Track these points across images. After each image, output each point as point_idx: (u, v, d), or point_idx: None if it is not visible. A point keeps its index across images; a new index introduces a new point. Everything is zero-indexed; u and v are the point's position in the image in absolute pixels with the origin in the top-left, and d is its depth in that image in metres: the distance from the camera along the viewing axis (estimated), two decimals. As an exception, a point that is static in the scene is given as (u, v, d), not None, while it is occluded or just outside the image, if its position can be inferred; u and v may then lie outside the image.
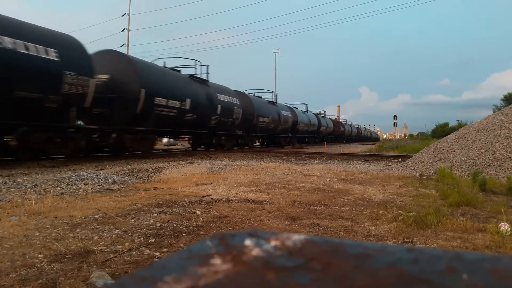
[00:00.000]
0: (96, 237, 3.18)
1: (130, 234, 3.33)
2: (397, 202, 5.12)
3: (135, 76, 12.24)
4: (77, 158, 11.45)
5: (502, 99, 50.61)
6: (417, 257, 0.34)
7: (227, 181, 6.92)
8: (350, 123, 62.62)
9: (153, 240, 3.18)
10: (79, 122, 11.67)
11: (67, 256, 2.70)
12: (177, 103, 13.95)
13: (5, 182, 6.05)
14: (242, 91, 21.81)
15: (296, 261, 0.35)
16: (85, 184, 6.23)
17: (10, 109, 8.79)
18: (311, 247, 0.37)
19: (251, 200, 5.04)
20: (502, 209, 3.87)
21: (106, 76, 12.23)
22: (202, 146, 18.29)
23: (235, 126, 19.01)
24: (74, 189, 5.80)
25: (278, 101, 26.94)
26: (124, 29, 39.02)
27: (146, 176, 7.73)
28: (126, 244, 3.04)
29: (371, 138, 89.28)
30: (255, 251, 0.37)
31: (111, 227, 3.54)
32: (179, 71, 15.82)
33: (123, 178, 7.25)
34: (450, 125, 57.14)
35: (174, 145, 26.11)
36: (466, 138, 9.79)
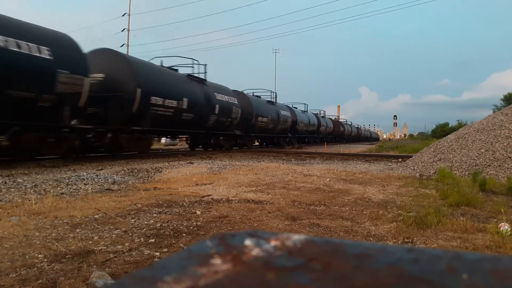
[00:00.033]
0: (96, 237, 3.18)
1: (130, 234, 3.33)
2: (397, 202, 5.12)
3: (131, 75, 12.11)
4: (75, 158, 11.40)
5: (502, 99, 50.63)
6: (417, 257, 0.34)
7: (227, 181, 6.92)
8: (350, 123, 62.63)
9: (153, 240, 3.18)
10: (74, 122, 11.53)
11: (67, 256, 2.70)
12: (174, 103, 13.80)
13: (5, 182, 6.05)
14: (241, 91, 21.69)
15: (296, 261, 0.35)
16: (85, 184, 6.23)
17: (1, 109, 8.66)
18: (311, 247, 0.37)
19: (251, 200, 5.04)
20: (502, 209, 3.87)
21: (101, 75, 12.10)
22: (200, 146, 18.15)
23: (233, 126, 18.87)
24: (74, 189, 5.80)
25: (278, 101, 26.87)
26: (124, 29, 39.05)
27: (146, 176, 7.73)
28: (126, 244, 3.04)
29: (371, 138, 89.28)
30: (255, 251, 0.37)
31: (111, 227, 3.54)
32: (176, 70, 15.65)
33: (123, 178, 7.25)
34: (450, 125, 57.15)
35: (174, 145, 26.08)
36: (466, 138, 9.79)
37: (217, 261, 0.35)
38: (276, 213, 4.27)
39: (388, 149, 23.62)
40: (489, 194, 6.00)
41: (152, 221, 3.81)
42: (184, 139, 19.02)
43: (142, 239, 3.19)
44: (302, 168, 9.71)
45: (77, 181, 6.49)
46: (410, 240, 3.33)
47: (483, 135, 9.45)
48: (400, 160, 12.76)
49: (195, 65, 16.97)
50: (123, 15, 39.62)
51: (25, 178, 6.68)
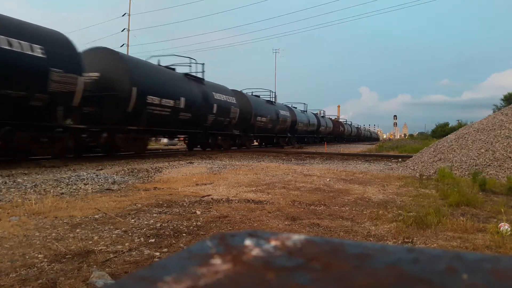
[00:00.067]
0: (96, 237, 3.18)
1: (130, 234, 3.33)
2: (397, 202, 5.12)
3: (127, 74, 11.94)
4: (74, 158, 11.38)
5: (502, 99, 50.63)
6: (417, 257, 0.34)
7: (227, 181, 6.92)
8: (350, 123, 62.64)
9: (153, 240, 3.18)
10: (69, 122, 11.30)
11: (67, 256, 2.70)
12: (171, 102, 13.64)
13: (5, 182, 6.05)
14: (240, 90, 21.55)
15: (296, 261, 0.35)
16: (85, 184, 6.23)
17: None
18: (311, 247, 0.37)
19: (251, 200, 5.04)
20: (502, 209, 3.87)
21: (96, 74, 11.94)
22: (198, 146, 17.97)
23: (232, 125, 18.71)
24: (74, 189, 5.80)
25: (278, 101, 26.82)
26: (124, 29, 39.03)
27: (146, 176, 7.73)
28: (126, 244, 3.04)
29: (371, 138, 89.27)
30: (255, 251, 0.37)
31: (111, 227, 3.54)
32: (174, 69, 15.49)
33: (123, 178, 7.25)
34: (450, 125, 57.15)
35: (174, 145, 26.06)
36: (466, 138, 9.79)
37: (217, 261, 0.35)
38: (276, 213, 4.27)
39: (388, 149, 23.62)
40: (489, 194, 6.00)
41: (152, 221, 3.81)
42: (182, 139, 18.82)
43: (142, 239, 3.20)
44: (302, 168, 9.71)
45: (77, 181, 6.49)
46: (410, 240, 3.33)
47: (483, 135, 9.45)
48: (400, 160, 12.76)
49: (192, 64, 16.82)
50: (123, 15, 39.63)
51: (25, 178, 6.68)
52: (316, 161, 13.34)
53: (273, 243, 0.38)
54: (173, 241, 3.17)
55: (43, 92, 9.23)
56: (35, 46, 9.06)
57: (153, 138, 17.61)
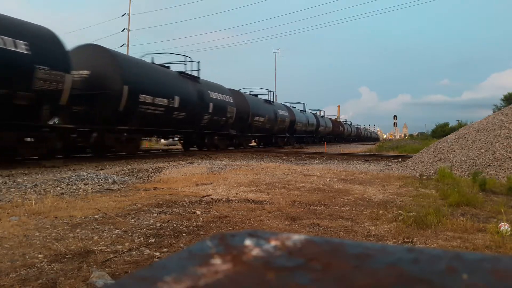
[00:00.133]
0: (96, 237, 3.18)
1: (130, 234, 3.33)
2: (397, 202, 5.12)
3: (118, 72, 11.55)
4: (75, 159, 11.32)
5: (502, 99, 50.63)
6: (417, 257, 0.34)
7: (227, 181, 6.92)
8: (349, 123, 62.64)
9: (153, 240, 3.18)
10: (57, 121, 11.02)
11: (67, 256, 2.70)
12: (164, 101, 13.27)
13: (5, 182, 6.05)
14: (237, 89, 21.30)
15: (296, 261, 0.35)
16: (85, 184, 6.23)
17: None
18: (311, 247, 0.37)
19: (251, 200, 5.04)
20: (502, 209, 3.87)
21: (86, 71, 11.56)
22: (195, 146, 17.64)
23: (228, 125, 18.39)
24: (74, 189, 5.80)
25: (278, 101, 26.71)
26: (124, 29, 39.04)
27: (146, 176, 7.73)
28: (126, 244, 3.04)
29: (371, 138, 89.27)
30: (255, 251, 0.37)
31: (111, 227, 3.54)
32: (168, 67, 15.13)
33: (123, 178, 7.26)
34: (450, 125, 57.15)
35: (174, 145, 26.03)
36: (466, 138, 9.79)
37: (217, 261, 0.35)
38: (276, 213, 4.27)
39: (388, 149, 23.62)
40: (489, 194, 6.00)
41: (152, 221, 3.81)
42: (177, 139, 18.45)
43: (142, 239, 3.20)
44: (302, 168, 9.71)
45: (77, 181, 6.49)
46: (410, 240, 3.33)
47: (483, 135, 9.45)
48: (400, 160, 12.76)
49: (188, 63, 16.36)
50: (123, 15, 39.64)
51: (25, 178, 6.68)
52: (316, 161, 13.34)
53: (273, 243, 0.38)
54: (173, 241, 3.17)
55: (27, 90, 8.80)
56: (19, 42, 8.62)
57: (147, 138, 17.25)
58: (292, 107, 30.48)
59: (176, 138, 18.44)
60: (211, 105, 16.40)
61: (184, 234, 3.38)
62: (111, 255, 2.74)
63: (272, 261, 0.35)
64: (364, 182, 7.23)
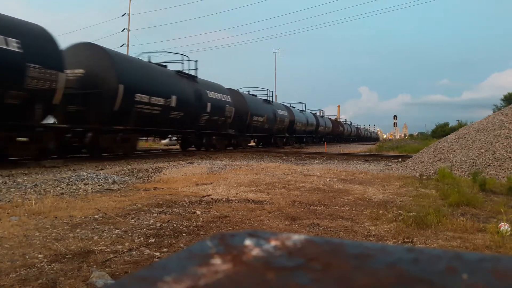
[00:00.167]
0: (96, 237, 3.18)
1: (130, 234, 3.33)
2: (397, 202, 5.12)
3: (113, 71, 11.33)
4: (75, 159, 11.29)
5: (502, 99, 50.65)
6: (417, 257, 0.34)
7: (227, 181, 6.92)
8: (349, 123, 62.64)
9: (153, 240, 3.18)
10: (54, 121, 10.85)
11: (67, 256, 2.70)
12: (161, 100, 13.05)
13: (5, 182, 6.05)
14: (236, 89, 21.12)
15: (296, 261, 0.35)
16: (85, 184, 6.23)
17: None
18: (311, 247, 0.37)
19: (251, 200, 5.04)
20: (502, 209, 3.87)
21: (81, 70, 11.39)
22: (193, 146, 17.41)
23: (226, 125, 18.20)
24: (74, 189, 5.80)
25: (278, 101, 26.63)
26: (124, 29, 39.03)
27: (146, 176, 7.73)
28: (126, 244, 3.04)
29: (371, 138, 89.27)
30: (255, 251, 0.37)
31: (111, 227, 3.54)
32: (165, 66, 14.94)
33: (123, 178, 7.26)
34: (450, 125, 57.15)
35: (174, 145, 26.02)
36: (466, 138, 9.80)
37: (217, 261, 0.35)
38: (276, 213, 4.27)
39: (388, 149, 23.62)
40: (489, 194, 6.00)
41: (152, 221, 3.81)
42: (175, 139, 18.11)
43: (142, 239, 3.20)
44: (302, 168, 9.71)
45: (77, 181, 6.49)
46: (410, 240, 3.33)
47: (483, 135, 9.45)
48: (400, 160, 12.76)
49: (185, 62, 16.14)
50: (123, 15, 39.63)
51: (25, 178, 6.68)
52: (316, 161, 13.34)
53: (273, 243, 0.38)
54: (173, 241, 3.17)
55: (19, 89, 8.58)
56: (10, 39, 8.41)
57: (144, 138, 16.99)
58: (292, 107, 30.40)
59: (173, 138, 18.18)
60: (209, 104, 16.21)
61: (184, 234, 3.38)
62: (111, 255, 2.74)
63: (272, 261, 0.35)
64: (364, 182, 7.23)
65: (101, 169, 8.52)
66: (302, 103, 34.04)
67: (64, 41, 10.01)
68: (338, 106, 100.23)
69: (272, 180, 7.10)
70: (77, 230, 3.38)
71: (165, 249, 2.94)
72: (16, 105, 8.69)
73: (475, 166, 8.38)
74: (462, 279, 0.31)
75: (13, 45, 8.48)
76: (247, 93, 22.89)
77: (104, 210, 4.22)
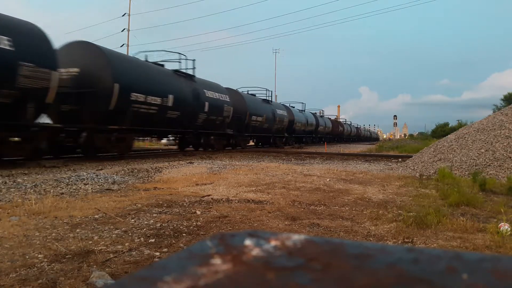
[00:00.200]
0: (96, 237, 3.18)
1: (130, 234, 3.33)
2: (397, 202, 5.12)
3: (108, 69, 11.17)
4: (76, 159, 11.27)
5: (502, 99, 50.66)
6: (417, 257, 0.34)
7: (227, 181, 6.92)
8: (349, 123, 62.64)
9: (153, 240, 3.18)
10: (47, 121, 10.66)
11: (67, 256, 2.70)
12: (157, 100, 12.90)
13: (5, 182, 6.05)
14: (235, 89, 20.98)
15: (296, 261, 0.35)
16: (85, 184, 6.23)
17: None
18: (311, 247, 0.37)
19: (251, 200, 5.04)
20: (502, 209, 3.87)
21: (76, 69, 11.21)
22: (191, 146, 17.21)
23: (225, 125, 18.03)
24: (74, 189, 5.80)
25: (278, 101, 26.57)
26: (124, 29, 39.02)
27: (146, 176, 7.73)
28: (126, 244, 3.04)
29: (371, 138, 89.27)
30: (255, 251, 0.37)
31: (111, 227, 3.54)
32: (162, 65, 14.79)
33: (123, 178, 7.26)
34: (450, 125, 57.16)
35: (174, 145, 25.99)
36: (466, 138, 9.80)
37: (217, 261, 0.35)
38: (276, 213, 4.27)
39: (388, 149, 23.62)
40: (489, 194, 6.00)
41: (152, 221, 3.81)
42: (173, 138, 17.89)
43: (142, 239, 3.20)
44: (302, 168, 9.71)
45: (77, 181, 6.49)
46: (410, 240, 3.33)
47: (483, 135, 9.45)
48: (400, 160, 12.76)
49: (183, 61, 15.91)
50: (123, 15, 39.62)
51: (25, 178, 6.67)
52: (316, 161, 13.34)
53: (273, 243, 0.38)
54: (173, 241, 3.17)
55: (11, 88, 8.39)
56: (2, 37, 8.27)
57: (140, 138, 16.80)
58: (291, 106, 30.32)
59: (171, 138, 17.97)
60: (206, 104, 16.04)
61: (184, 234, 3.38)
62: (111, 255, 2.74)
63: (272, 261, 0.35)
64: (364, 182, 7.23)
65: (101, 169, 8.52)
66: (302, 103, 34.01)
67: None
68: (338, 106, 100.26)
69: (272, 180, 7.10)
70: (77, 230, 3.38)
71: (165, 249, 2.94)
72: (8, 104, 8.53)
73: (475, 166, 8.38)
74: (462, 279, 0.31)
75: (5, 42, 8.33)
76: (246, 92, 22.74)
77: (104, 210, 4.22)
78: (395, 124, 57.17)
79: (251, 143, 25.95)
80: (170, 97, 13.60)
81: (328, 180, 7.31)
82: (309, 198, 5.24)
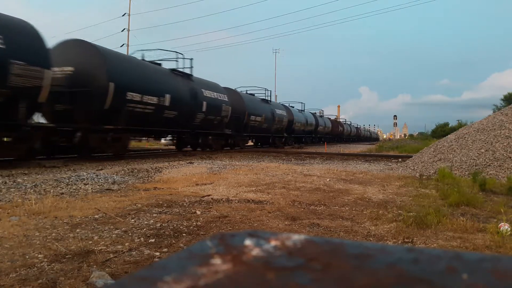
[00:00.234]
0: (96, 237, 3.18)
1: (130, 234, 3.33)
2: (397, 202, 5.12)
3: (103, 68, 10.99)
4: (76, 159, 11.27)
5: (502, 99, 50.66)
6: (417, 257, 0.34)
7: (227, 181, 6.92)
8: (349, 123, 62.63)
9: (153, 240, 3.18)
10: (41, 120, 10.63)
11: (67, 256, 2.70)
12: (154, 99, 12.71)
13: (5, 182, 6.05)
14: (234, 88, 20.86)
15: (296, 261, 0.35)
16: (85, 184, 6.23)
17: None
18: (311, 247, 0.37)
19: (251, 200, 5.04)
20: (502, 209, 3.87)
21: (71, 68, 11.03)
22: (189, 146, 17.08)
23: (223, 124, 17.88)
24: (74, 189, 5.80)
25: (278, 101, 26.51)
26: (124, 29, 39.03)
27: (146, 176, 7.73)
28: (126, 244, 3.04)
29: (371, 138, 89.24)
30: (255, 251, 0.37)
31: (111, 227, 3.54)
32: (159, 64, 14.60)
33: (123, 178, 7.26)
34: (450, 125, 57.16)
35: (172, 145, 25.94)
36: (466, 138, 9.80)
37: (217, 261, 0.35)
38: (276, 213, 4.27)
39: (388, 149, 23.62)
40: (489, 194, 6.00)
41: (152, 221, 3.81)
42: (170, 138, 17.71)
43: (142, 239, 3.20)
44: (302, 168, 9.71)
45: (77, 181, 6.49)
46: (410, 240, 3.33)
47: (483, 135, 9.45)
48: (400, 160, 12.76)
49: (180, 60, 15.69)
50: (123, 15, 39.63)
51: (25, 178, 6.67)
52: (316, 161, 13.34)
53: (273, 243, 0.38)
54: (173, 241, 3.17)
55: (2, 87, 8.20)
56: None
57: (137, 138, 16.40)
58: (291, 106, 30.22)
59: (168, 138, 17.74)
60: (204, 103, 15.86)
61: (184, 234, 3.38)
62: (111, 255, 2.74)
63: (272, 261, 0.35)
64: (364, 182, 7.23)
65: (101, 169, 8.52)
66: (301, 102, 33.95)
67: (43, 36, 9.63)
68: (338, 106, 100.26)
69: (272, 180, 7.10)
70: (77, 230, 3.38)
71: (165, 249, 2.94)
72: None
73: (475, 166, 8.38)
74: (462, 279, 0.31)
75: None
76: (244, 92, 22.62)
77: (104, 210, 4.22)
78: (395, 124, 57.17)
79: (250, 143, 25.86)
80: (167, 96, 13.45)
81: (328, 180, 7.31)
82: (309, 198, 5.24)
